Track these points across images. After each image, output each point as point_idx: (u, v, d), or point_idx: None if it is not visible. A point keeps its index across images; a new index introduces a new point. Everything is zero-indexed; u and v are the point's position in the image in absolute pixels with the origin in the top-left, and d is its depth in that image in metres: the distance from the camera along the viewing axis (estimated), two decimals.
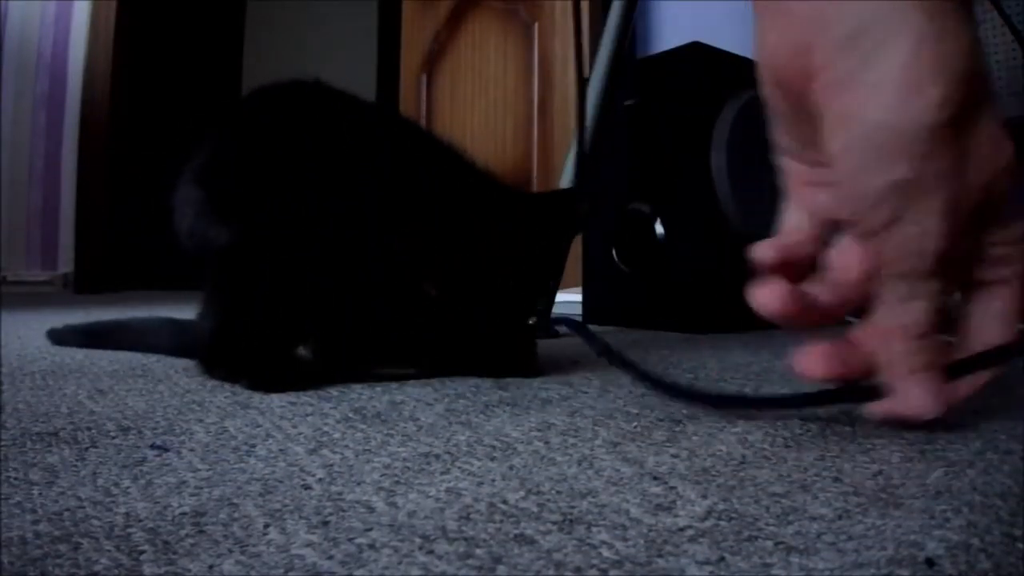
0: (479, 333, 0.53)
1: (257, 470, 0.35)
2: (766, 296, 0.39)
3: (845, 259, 0.39)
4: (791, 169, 0.40)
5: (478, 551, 0.25)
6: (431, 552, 0.24)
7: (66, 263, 2.67)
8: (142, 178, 2.86)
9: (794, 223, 0.41)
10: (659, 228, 1.15)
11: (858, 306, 0.39)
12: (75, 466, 0.35)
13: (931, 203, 0.31)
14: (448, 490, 0.31)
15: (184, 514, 0.28)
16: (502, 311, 0.53)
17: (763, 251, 0.40)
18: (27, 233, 2.71)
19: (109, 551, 0.25)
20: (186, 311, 0.77)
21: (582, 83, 1.07)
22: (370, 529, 0.27)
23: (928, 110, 0.30)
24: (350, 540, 0.26)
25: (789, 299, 0.38)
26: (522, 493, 0.31)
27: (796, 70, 0.33)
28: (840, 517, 0.27)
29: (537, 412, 0.48)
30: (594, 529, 0.27)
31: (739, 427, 0.43)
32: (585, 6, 1.80)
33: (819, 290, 0.40)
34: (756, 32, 0.36)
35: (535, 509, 0.29)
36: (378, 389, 0.57)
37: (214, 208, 0.46)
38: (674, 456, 0.37)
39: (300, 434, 0.42)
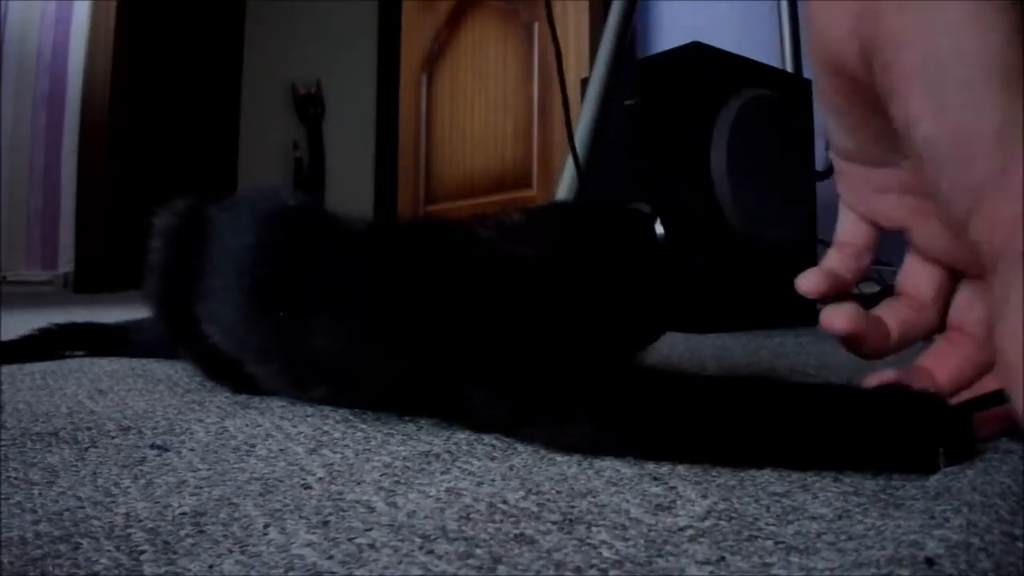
0: None
1: (257, 470, 0.35)
2: (838, 320, 0.37)
3: (915, 279, 0.37)
4: (849, 173, 0.37)
5: (478, 551, 0.25)
6: (431, 552, 0.24)
7: (66, 263, 2.67)
8: (142, 178, 2.86)
9: (849, 233, 0.38)
10: (659, 228, 1.15)
11: (929, 330, 0.37)
12: (75, 466, 0.35)
13: None
14: (448, 490, 0.31)
15: (184, 514, 0.28)
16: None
17: (811, 284, 0.37)
18: (27, 233, 2.71)
19: (109, 551, 0.25)
20: None
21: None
22: (370, 529, 0.27)
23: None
24: (350, 540, 0.26)
25: (862, 323, 0.36)
26: (522, 493, 0.31)
27: (857, 57, 0.30)
28: (840, 517, 0.27)
29: None
30: (594, 529, 0.27)
31: None
32: (585, 6, 1.79)
33: (889, 314, 0.38)
34: (808, 20, 0.33)
35: (535, 509, 0.29)
36: None
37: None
38: None
39: (300, 434, 0.42)
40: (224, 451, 0.38)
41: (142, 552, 0.25)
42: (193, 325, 0.54)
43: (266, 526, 0.27)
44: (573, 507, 0.29)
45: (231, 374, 0.54)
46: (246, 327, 0.50)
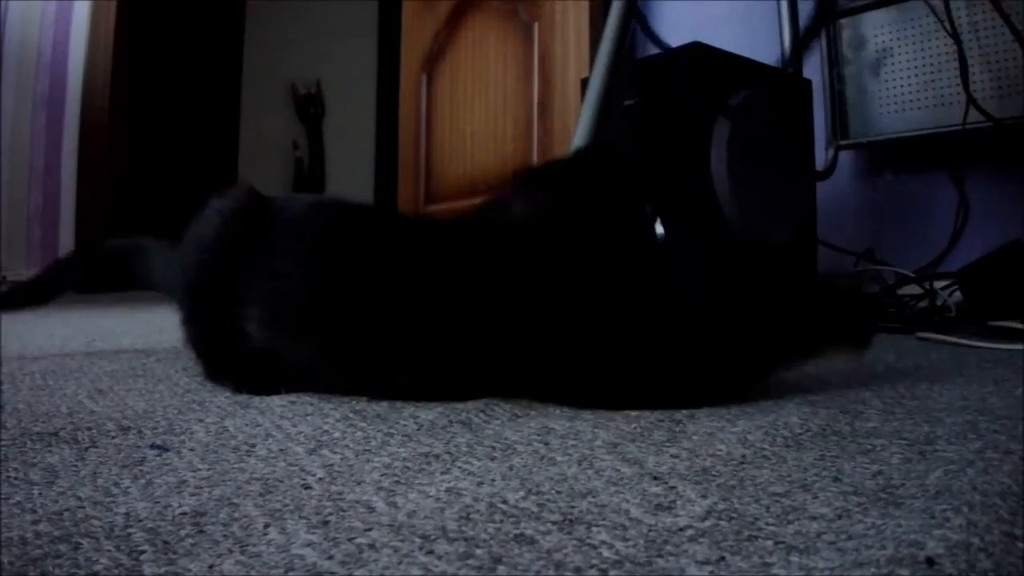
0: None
1: (257, 470, 0.35)
2: None
3: None
4: None
5: (478, 551, 0.25)
6: (431, 552, 0.24)
7: None
8: (142, 178, 2.86)
9: None
10: (659, 228, 1.15)
11: None
12: (75, 466, 0.35)
13: None
14: (448, 490, 0.31)
15: (184, 514, 0.28)
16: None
17: None
18: (27, 233, 2.70)
19: (109, 551, 0.25)
20: None
21: None
22: (370, 529, 0.27)
23: None
24: (350, 540, 0.26)
25: None
26: (522, 493, 0.31)
27: None
28: (840, 517, 0.27)
29: (537, 416, 0.48)
30: (594, 529, 0.27)
31: (739, 427, 0.43)
32: (585, 6, 1.79)
33: None
34: None
35: (535, 509, 0.29)
36: None
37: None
38: (674, 456, 0.37)
39: (300, 434, 0.42)
40: (224, 451, 0.38)
41: (142, 552, 0.25)
42: (231, 303, 0.56)
43: (266, 526, 0.27)
44: (573, 507, 0.29)
45: (241, 357, 0.57)
46: (303, 307, 0.54)
